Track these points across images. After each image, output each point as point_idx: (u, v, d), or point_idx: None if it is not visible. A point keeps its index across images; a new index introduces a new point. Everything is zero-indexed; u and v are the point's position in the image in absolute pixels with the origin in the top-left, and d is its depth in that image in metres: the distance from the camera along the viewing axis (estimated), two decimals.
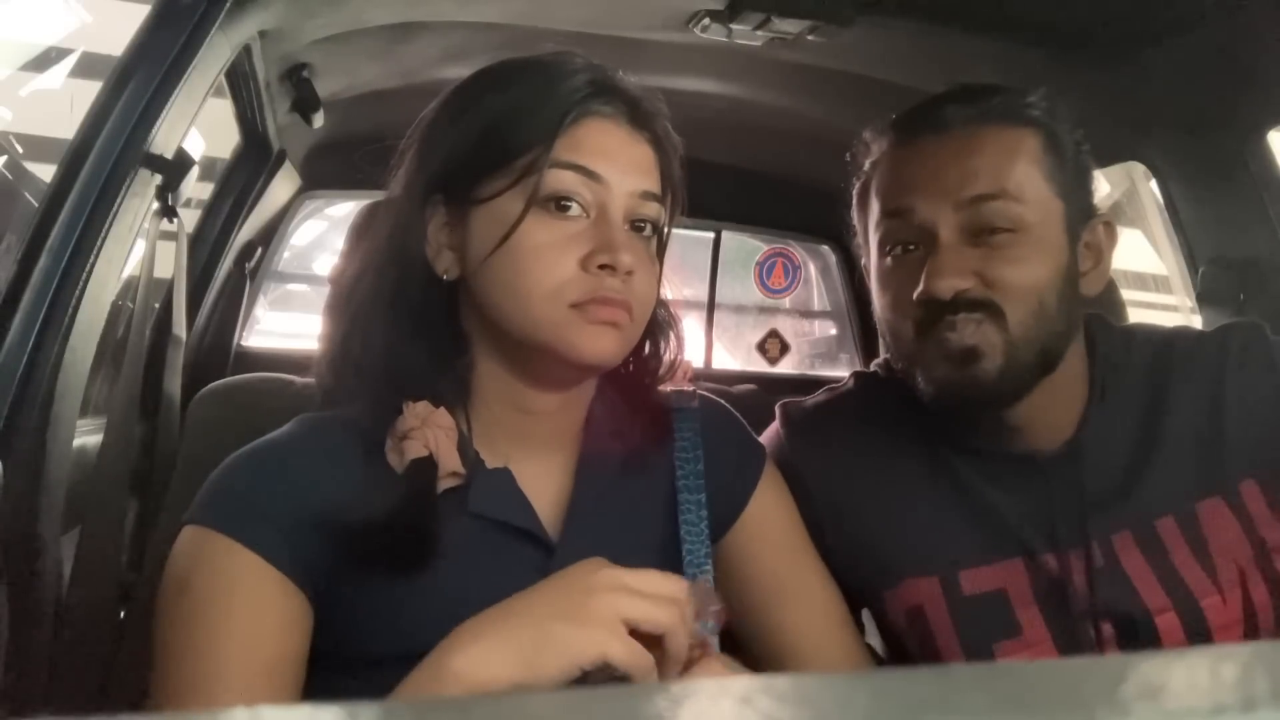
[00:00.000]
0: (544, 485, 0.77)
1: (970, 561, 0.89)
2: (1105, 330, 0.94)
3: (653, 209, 0.75)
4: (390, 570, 0.69)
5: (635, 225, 0.74)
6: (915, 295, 0.83)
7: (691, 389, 0.89)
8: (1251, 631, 0.84)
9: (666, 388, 0.86)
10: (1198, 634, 0.83)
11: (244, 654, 0.65)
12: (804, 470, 0.94)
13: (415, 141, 0.76)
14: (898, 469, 0.93)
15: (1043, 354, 0.84)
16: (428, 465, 0.69)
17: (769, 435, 1.00)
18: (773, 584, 0.85)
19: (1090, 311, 0.95)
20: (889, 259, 0.88)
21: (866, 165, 0.93)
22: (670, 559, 0.79)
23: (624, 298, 0.71)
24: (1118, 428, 0.89)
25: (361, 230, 0.78)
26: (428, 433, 0.70)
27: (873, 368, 1.03)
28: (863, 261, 0.95)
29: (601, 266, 0.70)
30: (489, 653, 0.58)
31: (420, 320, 0.73)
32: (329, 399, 0.76)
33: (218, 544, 0.67)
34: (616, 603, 0.58)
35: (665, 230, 0.79)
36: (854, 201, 0.95)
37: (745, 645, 0.86)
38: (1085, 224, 0.88)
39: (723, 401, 0.91)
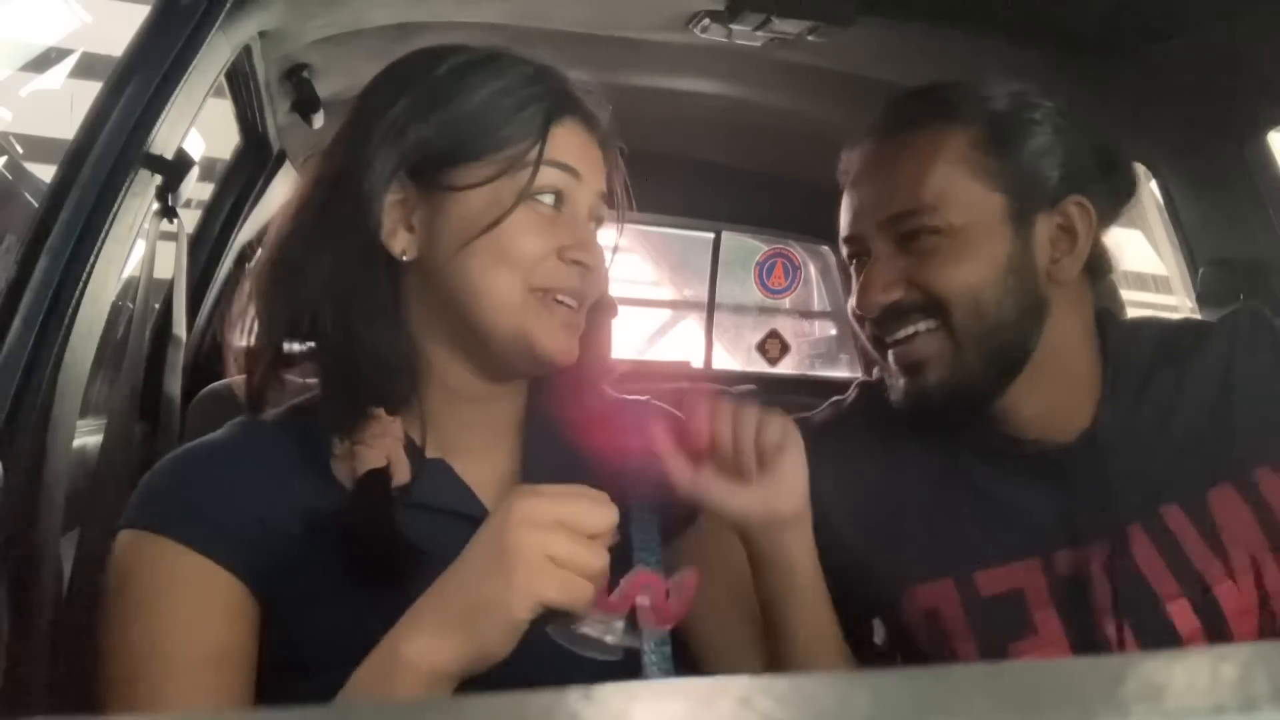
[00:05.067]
0: (487, 474, 0.76)
1: (986, 562, 0.88)
2: (1113, 324, 0.93)
3: (604, 210, 0.79)
4: (345, 575, 0.68)
5: (591, 222, 0.78)
6: (850, 310, 0.88)
7: (646, 397, 0.89)
8: (1267, 617, 0.83)
9: (621, 394, 0.87)
10: (1211, 620, 0.82)
11: (186, 646, 0.65)
12: (816, 489, 0.91)
13: (366, 117, 0.75)
14: (909, 474, 0.92)
15: (994, 354, 0.84)
16: (383, 476, 0.69)
17: None
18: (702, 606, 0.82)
19: (1100, 306, 0.94)
20: (853, 269, 0.91)
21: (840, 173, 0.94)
22: (619, 556, 0.79)
23: (581, 302, 0.75)
24: (1127, 420, 0.88)
25: (304, 204, 0.76)
26: (384, 442, 0.70)
27: (877, 374, 1.02)
28: None
29: (575, 262, 0.73)
30: (434, 637, 0.57)
31: (374, 307, 0.72)
32: (261, 396, 0.75)
33: (150, 543, 0.68)
34: (542, 541, 0.57)
35: (617, 235, 0.82)
36: None
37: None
38: (1046, 209, 0.85)
39: (669, 408, 0.90)
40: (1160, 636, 0.83)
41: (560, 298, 0.74)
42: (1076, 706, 0.19)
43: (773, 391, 1.99)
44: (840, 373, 2.80)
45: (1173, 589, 0.83)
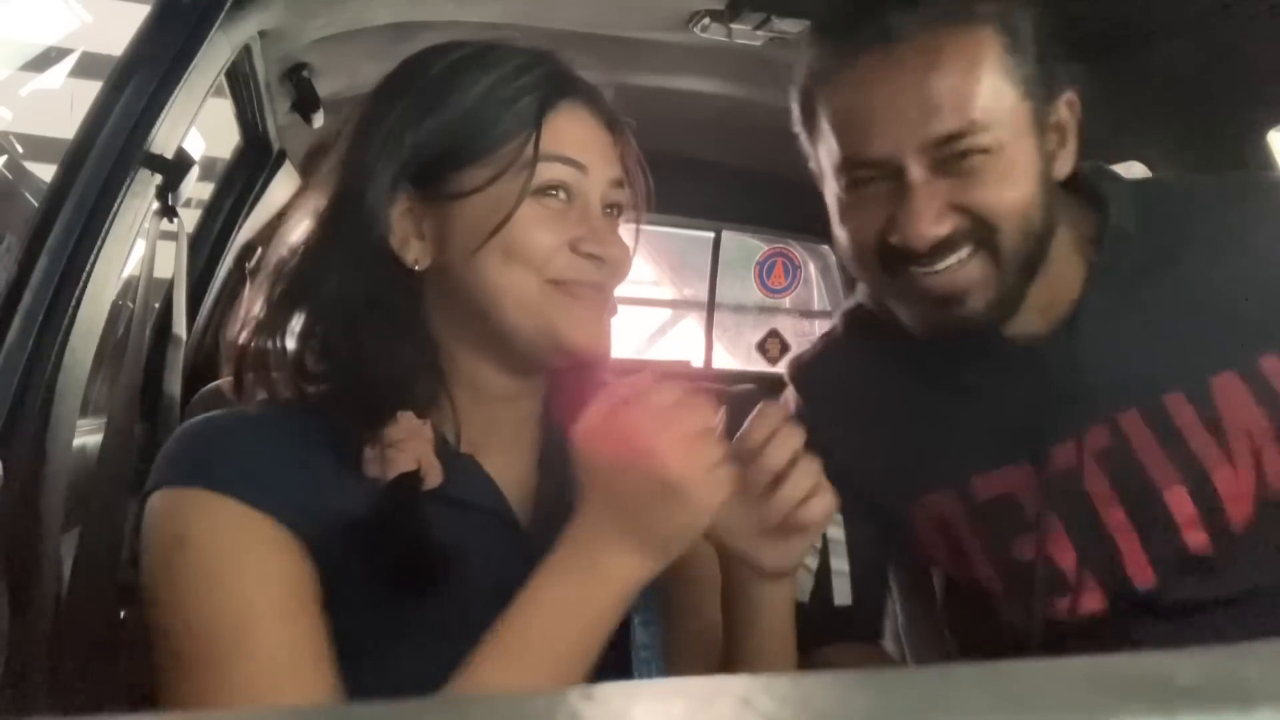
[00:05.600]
0: (507, 471, 0.77)
1: (981, 467, 0.87)
2: (1115, 190, 0.86)
3: (623, 195, 0.77)
4: (376, 565, 0.68)
5: (606, 210, 0.76)
6: (888, 238, 0.78)
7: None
8: (1264, 502, 0.81)
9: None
10: (1207, 506, 0.81)
11: (268, 594, 0.63)
12: (817, 425, 0.88)
13: (364, 130, 0.74)
14: (901, 393, 0.91)
15: (1029, 268, 0.79)
16: (414, 480, 0.69)
17: (785, 396, 1.00)
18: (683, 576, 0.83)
19: (1097, 165, 0.88)
20: (847, 190, 0.81)
21: (805, 71, 0.84)
22: None
23: (602, 290, 0.74)
24: (1123, 299, 0.83)
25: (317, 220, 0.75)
26: (415, 445, 0.70)
27: (858, 299, 0.98)
28: (810, 164, 0.89)
29: (589, 255, 0.72)
30: (635, 556, 0.62)
31: (392, 321, 0.72)
32: (251, 395, 0.74)
33: (203, 499, 0.65)
34: (698, 457, 0.61)
35: (637, 215, 0.80)
36: (796, 110, 0.87)
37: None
38: (1049, 108, 0.80)
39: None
40: (1157, 521, 0.82)
41: (578, 290, 0.72)
42: (1076, 706, 0.19)
43: (773, 391, 1.99)
44: None
45: (1170, 475, 0.81)
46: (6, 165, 2.17)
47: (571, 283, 0.72)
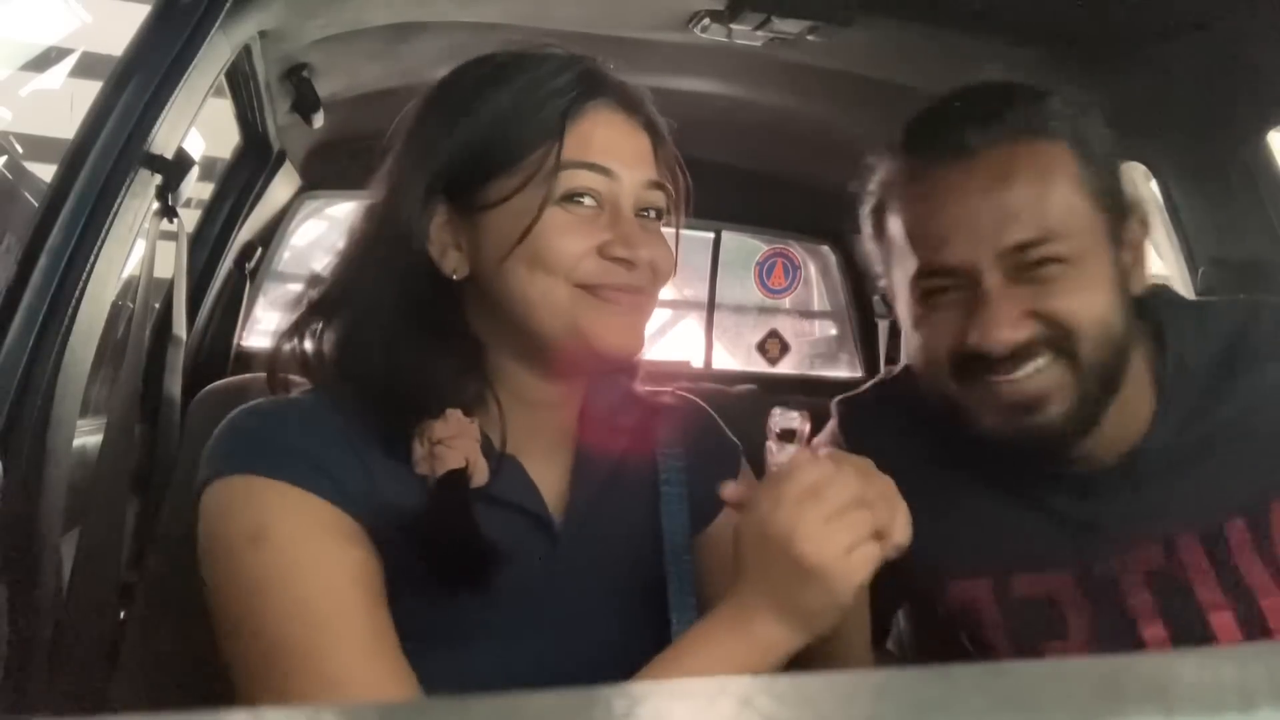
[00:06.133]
0: (545, 474, 0.78)
1: (1023, 567, 0.86)
2: (1174, 316, 0.87)
3: (659, 197, 0.76)
4: (421, 560, 0.69)
5: (642, 213, 0.75)
6: (966, 345, 0.78)
7: (670, 389, 0.90)
8: None
9: (651, 387, 0.87)
10: (1256, 635, 0.80)
11: (350, 585, 0.64)
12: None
13: (404, 142, 0.76)
14: (953, 470, 0.90)
15: (1110, 378, 0.79)
16: (463, 477, 0.70)
17: (826, 433, 0.97)
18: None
19: (1155, 287, 0.88)
20: (921, 301, 0.82)
21: (877, 187, 0.86)
22: (658, 548, 0.81)
23: (638, 293, 0.74)
24: (1186, 427, 0.83)
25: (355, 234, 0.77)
26: (464, 443, 0.70)
27: (904, 368, 0.97)
28: (881, 283, 0.90)
29: (618, 259, 0.72)
30: (783, 627, 0.64)
31: (435, 324, 0.73)
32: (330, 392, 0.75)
33: (279, 491, 0.66)
34: (833, 542, 0.62)
35: (676, 217, 0.80)
36: (868, 227, 0.89)
37: None
38: (1123, 223, 0.81)
39: (699, 401, 0.92)
40: (1197, 643, 0.81)
41: (610, 294, 0.72)
42: (1076, 706, 0.19)
43: (773, 392, 1.99)
44: (840, 373, 2.80)
45: (1218, 600, 0.81)
46: (6, 165, 2.17)
47: (601, 287, 0.72)
